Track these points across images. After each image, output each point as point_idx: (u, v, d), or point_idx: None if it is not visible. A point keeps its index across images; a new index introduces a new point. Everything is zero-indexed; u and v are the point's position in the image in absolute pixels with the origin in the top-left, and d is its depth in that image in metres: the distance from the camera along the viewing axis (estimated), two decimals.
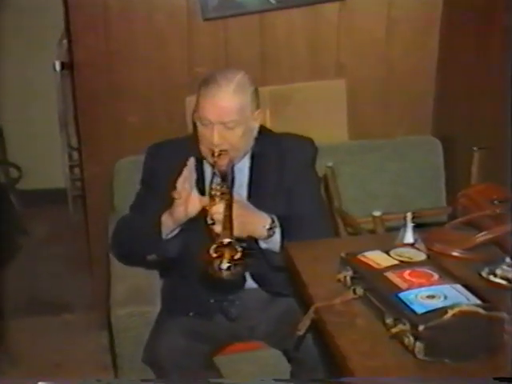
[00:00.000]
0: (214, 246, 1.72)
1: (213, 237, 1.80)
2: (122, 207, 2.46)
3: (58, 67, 3.87)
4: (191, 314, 2.14)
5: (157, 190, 2.13)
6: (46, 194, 4.13)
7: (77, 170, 4.01)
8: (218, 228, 1.82)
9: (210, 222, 1.86)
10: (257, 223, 1.98)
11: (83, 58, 2.70)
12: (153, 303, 2.19)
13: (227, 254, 1.72)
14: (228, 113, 2.02)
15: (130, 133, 2.76)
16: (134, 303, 2.16)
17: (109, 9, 2.64)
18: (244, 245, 1.78)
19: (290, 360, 2.14)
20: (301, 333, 1.46)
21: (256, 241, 2.01)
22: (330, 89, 2.78)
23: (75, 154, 4.00)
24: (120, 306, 2.15)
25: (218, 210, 1.85)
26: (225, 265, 1.71)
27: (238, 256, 1.72)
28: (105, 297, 2.32)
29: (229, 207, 1.85)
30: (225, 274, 1.72)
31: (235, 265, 1.72)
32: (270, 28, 2.73)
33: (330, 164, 2.57)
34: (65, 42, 3.63)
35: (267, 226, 1.98)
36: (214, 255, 1.71)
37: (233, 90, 2.02)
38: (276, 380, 1.87)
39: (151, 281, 2.26)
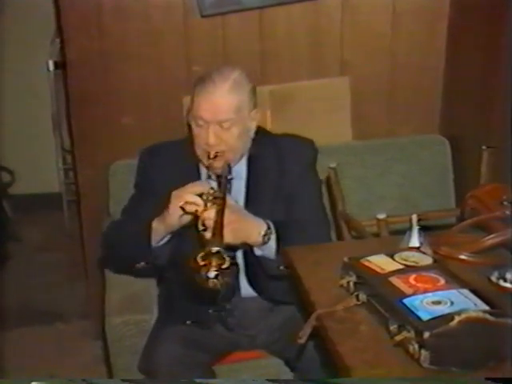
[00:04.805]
0: (202, 253, 1.69)
1: (203, 243, 1.77)
2: (117, 212, 2.42)
3: (51, 67, 3.82)
4: (188, 322, 2.10)
5: (151, 194, 2.09)
6: (40, 198, 4.10)
7: (72, 174, 3.96)
8: (208, 234, 1.79)
9: (200, 228, 1.82)
10: (251, 229, 1.93)
11: (76, 58, 2.66)
12: (149, 311, 2.18)
13: (215, 263, 1.69)
14: (224, 111, 1.97)
15: (125, 134, 2.72)
16: (130, 311, 2.14)
17: (102, 6, 2.60)
18: (232, 254, 1.76)
19: (292, 369, 2.10)
20: (302, 341, 1.42)
21: (251, 248, 1.96)
22: (333, 87, 2.75)
23: (69, 157, 3.96)
24: (115, 315, 2.13)
25: (210, 215, 1.82)
26: (212, 273, 1.68)
27: (225, 265, 1.69)
28: (99, 305, 2.30)
29: (221, 213, 1.81)
30: (211, 282, 1.69)
31: (223, 274, 1.69)
32: (270, 24, 2.69)
33: (333, 165, 2.53)
34: (58, 40, 3.60)
35: (262, 233, 1.93)
36: (202, 263, 1.68)
37: (229, 87, 1.98)
38: (268, 380, 1.83)
39: (147, 288, 2.24)
